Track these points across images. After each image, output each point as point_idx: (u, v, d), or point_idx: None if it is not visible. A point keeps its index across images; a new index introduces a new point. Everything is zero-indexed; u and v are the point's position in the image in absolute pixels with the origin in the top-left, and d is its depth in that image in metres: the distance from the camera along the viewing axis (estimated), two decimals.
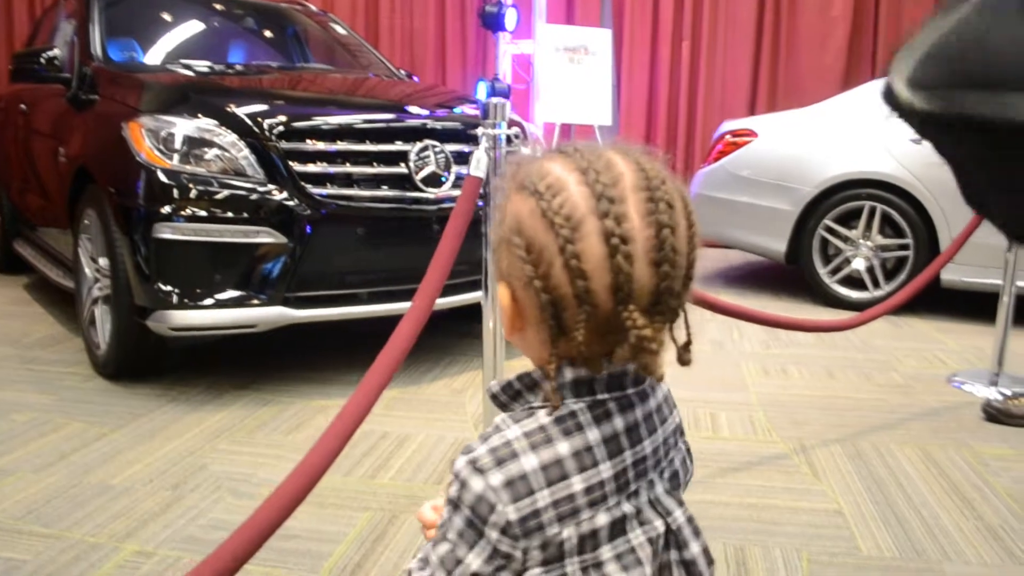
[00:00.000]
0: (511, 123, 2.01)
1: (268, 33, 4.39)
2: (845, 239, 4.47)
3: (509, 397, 0.79)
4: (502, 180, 0.79)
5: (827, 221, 4.50)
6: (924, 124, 1.77)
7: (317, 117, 2.92)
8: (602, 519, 0.73)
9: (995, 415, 2.89)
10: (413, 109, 3.19)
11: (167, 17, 3.99)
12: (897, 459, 2.52)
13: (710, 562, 0.81)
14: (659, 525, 0.77)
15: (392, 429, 2.65)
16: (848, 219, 4.48)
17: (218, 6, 4.19)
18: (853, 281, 4.50)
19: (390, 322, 3.04)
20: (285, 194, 2.76)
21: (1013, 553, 2.00)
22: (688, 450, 0.87)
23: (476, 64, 6.51)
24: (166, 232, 2.68)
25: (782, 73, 6.45)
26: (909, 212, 4.30)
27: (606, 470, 0.73)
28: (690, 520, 0.80)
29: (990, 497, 2.29)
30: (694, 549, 0.79)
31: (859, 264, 4.46)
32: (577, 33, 4.98)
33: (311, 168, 2.82)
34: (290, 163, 2.78)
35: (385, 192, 2.93)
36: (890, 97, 1.71)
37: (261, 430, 2.61)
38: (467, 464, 0.73)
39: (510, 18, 5.71)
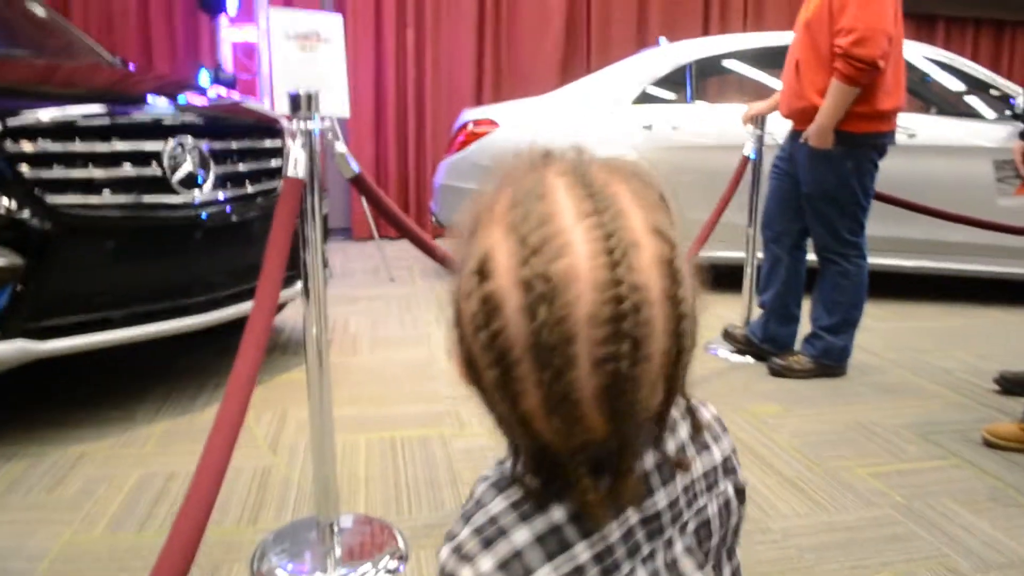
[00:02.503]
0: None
1: None
2: None
3: None
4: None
5: None
6: None
7: (50, 111, 2.45)
8: None
9: (781, 371, 3.23)
10: (162, 102, 2.80)
11: None
12: None
13: None
14: None
15: (177, 468, 2.32)
16: None
17: None
18: None
19: (144, 346, 2.69)
20: (15, 204, 2.29)
21: (816, 501, 2.19)
22: (738, 490, 0.75)
23: (187, 51, 5.96)
24: None
25: (505, 61, 6.61)
26: None
27: (613, 533, 0.62)
28: None
29: (779, 453, 2.49)
30: None
31: None
32: (307, 19, 4.70)
33: (47, 173, 2.37)
34: (19, 167, 2.32)
35: (137, 197, 2.55)
36: None
37: (15, 492, 2.17)
38: (451, 553, 0.61)
39: (231, 1, 5.30)
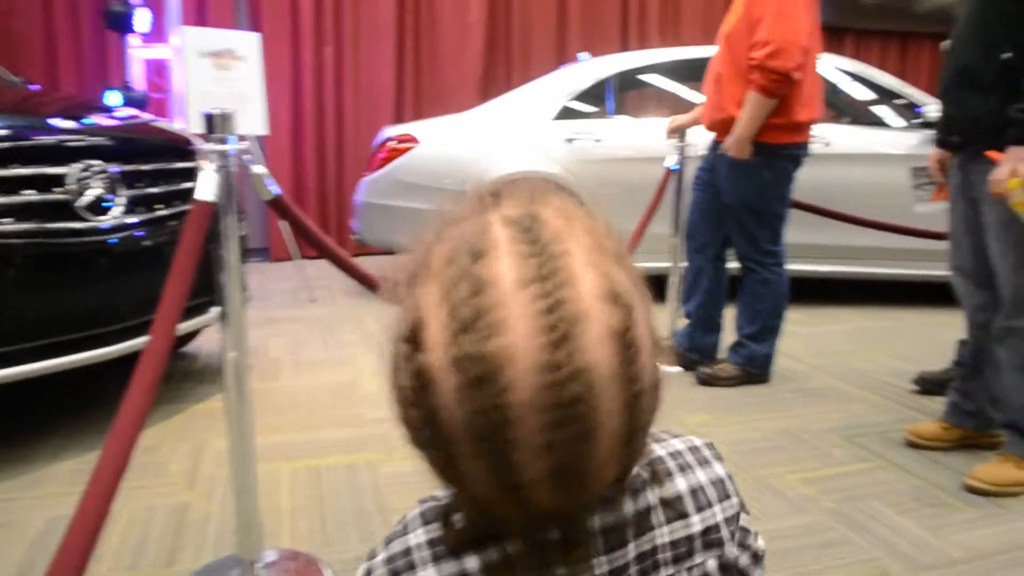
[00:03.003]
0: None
1: None
2: None
3: None
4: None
5: None
6: None
7: None
8: None
9: (708, 379, 3.24)
10: (67, 123, 2.67)
11: None
12: None
13: None
14: None
15: None
16: None
17: None
18: None
19: (49, 379, 2.55)
20: None
21: (749, 510, 2.17)
22: (725, 566, 0.67)
23: (95, 70, 5.74)
24: None
25: (426, 78, 6.55)
26: None
27: None
28: None
29: None
30: None
31: None
32: (221, 36, 4.57)
33: None
34: None
35: (40, 224, 2.41)
36: None
37: None
38: (364, 575, 0.61)
39: (140, 19, 5.14)
